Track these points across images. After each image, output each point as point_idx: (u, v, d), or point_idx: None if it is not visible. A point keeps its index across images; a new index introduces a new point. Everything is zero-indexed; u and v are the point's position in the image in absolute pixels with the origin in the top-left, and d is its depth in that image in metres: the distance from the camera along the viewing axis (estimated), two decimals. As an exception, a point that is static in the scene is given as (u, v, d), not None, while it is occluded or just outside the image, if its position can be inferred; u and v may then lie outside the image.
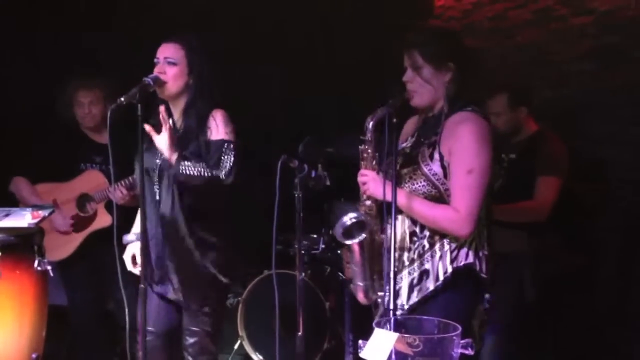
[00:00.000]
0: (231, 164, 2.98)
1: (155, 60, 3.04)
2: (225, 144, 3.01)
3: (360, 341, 2.10)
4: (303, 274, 3.98)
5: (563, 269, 3.86)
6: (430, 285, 2.53)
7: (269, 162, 2.82)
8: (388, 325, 2.15)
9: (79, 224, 3.85)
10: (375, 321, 2.15)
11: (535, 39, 4.52)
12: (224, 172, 2.97)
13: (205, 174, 2.96)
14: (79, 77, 3.99)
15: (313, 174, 2.56)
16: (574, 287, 4.01)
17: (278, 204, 2.69)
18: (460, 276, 2.55)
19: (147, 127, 2.92)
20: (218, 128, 3.03)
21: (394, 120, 2.50)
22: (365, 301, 2.64)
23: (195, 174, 2.95)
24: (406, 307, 2.55)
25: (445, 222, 2.51)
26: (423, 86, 2.58)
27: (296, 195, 2.51)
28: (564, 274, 3.88)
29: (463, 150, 2.49)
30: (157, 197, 3.08)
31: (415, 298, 2.54)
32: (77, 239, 3.86)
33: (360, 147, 2.63)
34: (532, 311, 3.73)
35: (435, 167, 2.53)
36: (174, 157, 2.94)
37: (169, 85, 3.00)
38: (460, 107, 2.57)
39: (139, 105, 2.80)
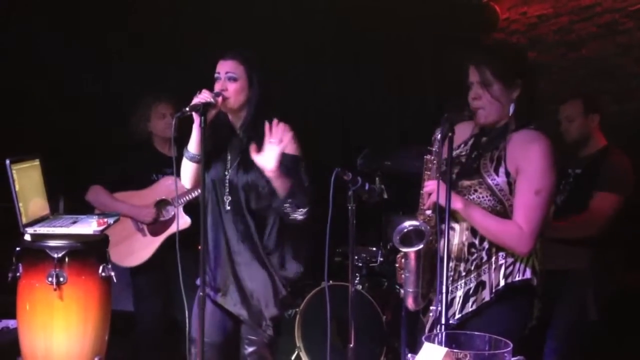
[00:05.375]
0: (309, 183, 2.99)
1: (216, 75, 3.08)
2: (299, 162, 3.02)
3: (409, 355, 2.09)
4: (360, 285, 4.03)
5: (627, 287, 3.75)
6: (486, 296, 2.56)
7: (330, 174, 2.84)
8: (437, 340, 2.14)
9: (157, 227, 3.93)
10: (424, 335, 2.14)
11: (600, 53, 4.45)
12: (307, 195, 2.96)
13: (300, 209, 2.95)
14: (153, 92, 4.06)
15: (366, 187, 2.57)
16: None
17: (333, 217, 2.71)
18: (516, 291, 2.56)
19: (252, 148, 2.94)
20: (289, 144, 3.00)
21: (450, 134, 2.52)
22: (414, 307, 2.65)
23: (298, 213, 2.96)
24: (458, 316, 2.57)
25: (508, 238, 2.52)
26: (492, 103, 2.58)
27: (349, 207, 2.53)
28: (629, 292, 3.77)
29: (532, 170, 2.51)
30: (227, 207, 3.09)
31: (469, 308, 2.56)
32: (156, 242, 3.91)
33: (425, 157, 2.64)
34: (595, 331, 3.64)
35: (501, 182, 2.54)
36: (277, 175, 2.90)
37: (231, 100, 3.05)
38: (524, 125, 2.57)
39: (202, 117, 2.91)
